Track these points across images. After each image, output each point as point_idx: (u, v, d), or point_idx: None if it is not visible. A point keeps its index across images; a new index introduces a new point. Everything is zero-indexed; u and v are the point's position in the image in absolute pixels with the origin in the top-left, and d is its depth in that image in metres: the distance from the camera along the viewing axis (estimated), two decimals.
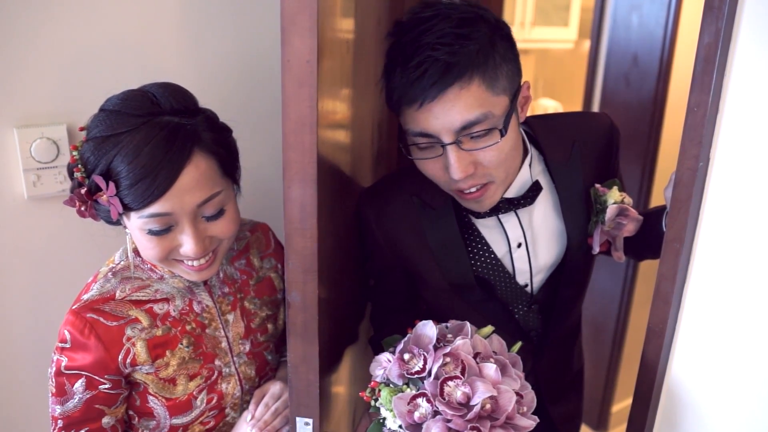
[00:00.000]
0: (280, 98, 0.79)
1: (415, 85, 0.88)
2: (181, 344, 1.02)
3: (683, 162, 0.80)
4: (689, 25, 2.01)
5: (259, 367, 1.12)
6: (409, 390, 0.86)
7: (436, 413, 0.82)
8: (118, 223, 0.96)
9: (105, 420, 1.00)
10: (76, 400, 0.97)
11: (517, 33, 0.97)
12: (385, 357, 0.92)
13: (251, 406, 1.05)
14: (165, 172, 0.87)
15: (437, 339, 0.88)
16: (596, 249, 1.08)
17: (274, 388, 1.08)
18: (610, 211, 1.04)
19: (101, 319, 0.96)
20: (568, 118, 1.21)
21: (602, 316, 2.38)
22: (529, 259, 1.08)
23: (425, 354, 0.86)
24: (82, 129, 0.94)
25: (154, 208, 0.89)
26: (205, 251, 0.95)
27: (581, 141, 1.09)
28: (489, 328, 0.93)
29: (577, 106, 3.32)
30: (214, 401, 1.06)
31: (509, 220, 1.05)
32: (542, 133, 1.08)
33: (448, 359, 0.84)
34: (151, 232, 0.91)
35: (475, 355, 0.87)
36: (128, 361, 0.97)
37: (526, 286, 1.11)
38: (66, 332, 0.95)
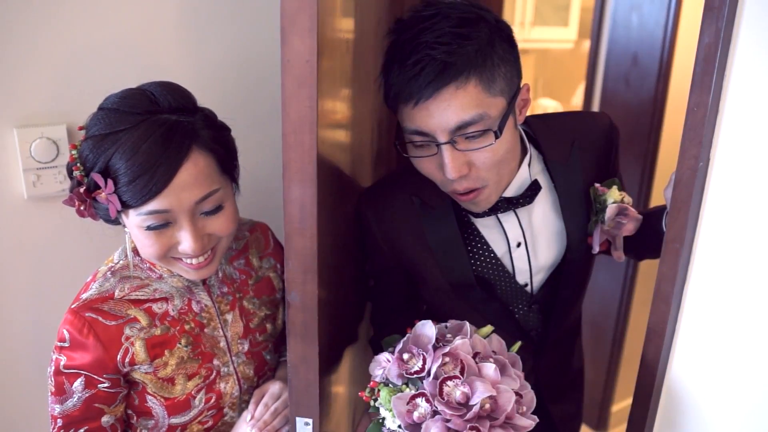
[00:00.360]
0: (279, 98, 0.79)
1: (411, 82, 0.88)
2: (180, 344, 1.02)
3: (683, 162, 0.80)
4: (689, 25, 2.01)
5: (258, 366, 1.12)
6: (408, 390, 0.86)
7: (435, 413, 0.82)
8: (117, 222, 0.96)
9: (104, 419, 1.00)
10: (75, 399, 0.97)
11: (516, 33, 0.96)
12: (384, 357, 0.92)
13: (251, 406, 1.05)
14: (163, 168, 0.87)
15: (436, 339, 0.88)
16: (596, 248, 1.08)
17: (274, 387, 1.08)
18: (610, 210, 1.04)
19: (100, 319, 0.96)
20: (568, 117, 1.21)
21: (602, 316, 2.38)
22: (529, 258, 1.08)
23: (424, 354, 0.86)
24: (81, 128, 0.94)
25: (153, 205, 0.89)
26: (203, 249, 0.95)
27: (581, 140, 1.09)
28: (488, 328, 0.93)
29: (576, 106, 3.32)
30: (212, 401, 1.06)
31: (508, 219, 1.05)
32: (541, 133, 1.08)
33: (447, 359, 0.84)
34: (149, 228, 0.91)
35: (475, 355, 0.87)
36: (127, 360, 0.97)
37: (526, 285, 1.11)
38: (65, 331, 0.95)
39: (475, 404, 0.80)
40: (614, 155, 1.14)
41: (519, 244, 1.07)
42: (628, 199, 1.06)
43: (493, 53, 0.89)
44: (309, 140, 0.80)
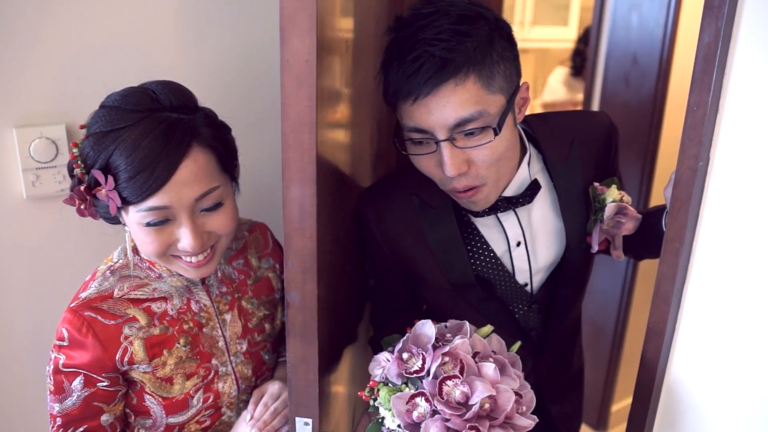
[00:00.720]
0: (279, 98, 0.79)
1: (410, 79, 0.88)
2: (178, 343, 1.02)
3: (683, 161, 0.80)
4: (689, 25, 2.01)
5: (256, 366, 1.11)
6: (407, 389, 0.86)
7: (434, 413, 0.82)
8: (117, 221, 0.96)
9: (103, 417, 1.00)
10: (74, 397, 0.97)
11: (516, 32, 0.97)
12: (384, 356, 0.92)
13: (250, 406, 1.05)
14: (163, 164, 0.87)
15: (436, 338, 0.88)
16: (595, 247, 1.08)
17: (273, 387, 1.07)
18: (609, 209, 1.04)
19: (99, 318, 0.96)
20: (567, 117, 1.21)
21: (602, 316, 2.38)
22: (528, 257, 1.08)
23: (424, 353, 0.86)
24: (82, 127, 0.94)
25: (152, 201, 0.89)
26: (203, 247, 0.95)
27: (580, 140, 1.09)
28: (488, 328, 0.93)
29: (576, 106, 3.32)
30: (210, 400, 1.05)
31: (508, 218, 1.05)
32: (541, 132, 1.08)
33: (446, 359, 0.84)
34: (149, 225, 0.91)
35: (474, 355, 0.87)
36: (125, 359, 0.97)
37: (526, 285, 1.11)
38: (64, 330, 0.95)
39: (474, 404, 0.80)
40: (614, 154, 1.14)
41: (519, 244, 1.07)
42: (627, 198, 1.06)
43: (492, 50, 0.89)
44: (308, 140, 0.80)
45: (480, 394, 0.80)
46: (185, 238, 0.93)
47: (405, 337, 0.91)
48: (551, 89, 3.56)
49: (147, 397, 1.02)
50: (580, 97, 3.27)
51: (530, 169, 1.05)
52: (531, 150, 1.07)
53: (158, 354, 1.00)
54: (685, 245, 0.82)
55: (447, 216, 1.05)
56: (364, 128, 1.17)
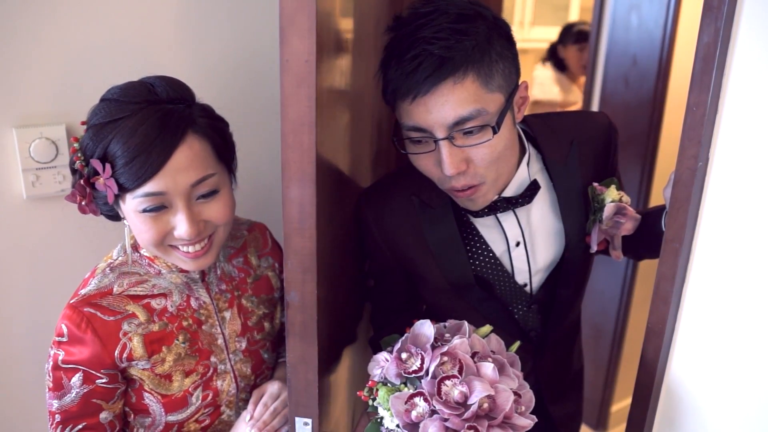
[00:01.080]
0: (278, 98, 0.79)
1: (409, 78, 0.88)
2: (177, 340, 1.02)
3: (682, 162, 0.80)
4: (688, 25, 2.01)
5: (255, 365, 1.12)
6: (406, 389, 0.86)
7: (433, 412, 0.82)
8: (117, 218, 0.97)
9: (102, 415, 1.00)
10: (73, 394, 0.97)
11: (516, 32, 0.97)
12: (382, 356, 0.92)
13: (250, 406, 1.05)
14: (158, 149, 0.88)
15: (435, 338, 0.88)
16: (594, 247, 1.08)
17: (273, 387, 1.07)
18: (608, 209, 1.04)
19: (98, 314, 0.96)
20: (567, 117, 1.21)
21: (602, 316, 2.38)
22: (528, 258, 1.08)
23: (423, 353, 0.86)
24: (83, 123, 0.95)
25: (149, 187, 0.90)
26: (199, 235, 0.95)
27: (579, 140, 1.09)
28: (487, 328, 0.93)
29: (576, 106, 3.32)
30: (209, 398, 1.06)
31: (507, 219, 1.05)
32: (540, 132, 1.08)
33: (445, 358, 0.84)
34: (145, 211, 0.92)
35: (473, 355, 0.87)
36: (124, 356, 0.97)
37: (525, 285, 1.11)
38: (63, 326, 0.95)
39: (473, 404, 0.80)
40: (613, 155, 1.14)
41: (518, 244, 1.07)
42: (626, 198, 1.06)
43: (491, 49, 0.89)
44: (308, 140, 0.80)
45: (479, 393, 0.80)
46: (181, 225, 0.93)
47: (404, 337, 0.91)
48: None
49: (146, 394, 1.02)
50: (564, 95, 3.25)
51: (529, 169, 1.05)
52: (530, 150, 1.07)
53: (157, 350, 1.00)
54: (684, 245, 0.82)
55: (446, 216, 1.05)
56: (364, 128, 1.17)
